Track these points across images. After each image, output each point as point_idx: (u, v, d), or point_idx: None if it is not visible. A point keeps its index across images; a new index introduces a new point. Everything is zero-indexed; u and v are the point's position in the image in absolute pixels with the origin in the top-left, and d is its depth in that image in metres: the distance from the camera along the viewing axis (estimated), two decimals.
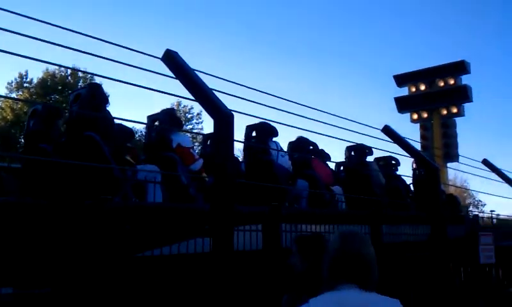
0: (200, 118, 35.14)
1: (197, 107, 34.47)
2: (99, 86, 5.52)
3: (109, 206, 3.25)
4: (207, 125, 35.01)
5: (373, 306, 1.98)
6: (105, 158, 4.69)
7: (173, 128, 6.08)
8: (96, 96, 5.22)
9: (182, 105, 34.09)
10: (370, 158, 9.02)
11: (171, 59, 3.28)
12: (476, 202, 43.79)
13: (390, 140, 5.36)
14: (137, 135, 20.31)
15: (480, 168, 6.81)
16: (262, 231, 4.39)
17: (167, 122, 6.11)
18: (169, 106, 9.06)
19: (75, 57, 41.79)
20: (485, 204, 42.61)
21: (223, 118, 3.25)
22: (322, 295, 2.00)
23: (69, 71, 29.24)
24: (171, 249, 3.66)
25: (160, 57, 3.31)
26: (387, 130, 5.33)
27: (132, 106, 41.63)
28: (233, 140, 3.33)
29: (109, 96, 7.46)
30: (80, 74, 28.40)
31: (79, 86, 24.35)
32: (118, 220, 3.29)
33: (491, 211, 13.35)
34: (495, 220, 12.56)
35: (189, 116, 35.31)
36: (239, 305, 3.52)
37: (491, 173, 6.71)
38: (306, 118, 4.28)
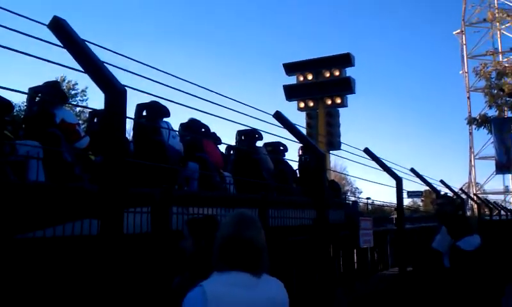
0: (85, 95, 33.55)
1: (82, 83, 32.87)
2: None
3: None
4: (92, 102, 33.53)
5: (261, 285, 2.06)
6: None
7: (56, 102, 5.68)
8: None
9: (67, 81, 32.30)
10: (259, 143, 9.20)
11: (59, 27, 3.01)
12: (354, 189, 46.96)
13: (281, 125, 5.47)
14: (15, 109, 18.92)
15: (361, 156, 7.18)
16: (151, 214, 4.27)
17: (51, 95, 5.70)
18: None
19: None
20: (361, 192, 45.90)
21: (116, 93, 3.06)
22: (214, 277, 2.03)
23: None
24: (55, 230, 3.44)
25: (47, 23, 3.03)
26: (278, 116, 5.41)
27: (11, 76, 38.69)
28: (125, 117, 3.17)
29: None
30: None
31: None
32: None
33: (367, 198, 14.31)
34: (370, 207, 13.52)
35: (74, 92, 33.49)
36: (129, 289, 3.41)
37: (371, 161, 7.12)
38: (199, 98, 4.18)
